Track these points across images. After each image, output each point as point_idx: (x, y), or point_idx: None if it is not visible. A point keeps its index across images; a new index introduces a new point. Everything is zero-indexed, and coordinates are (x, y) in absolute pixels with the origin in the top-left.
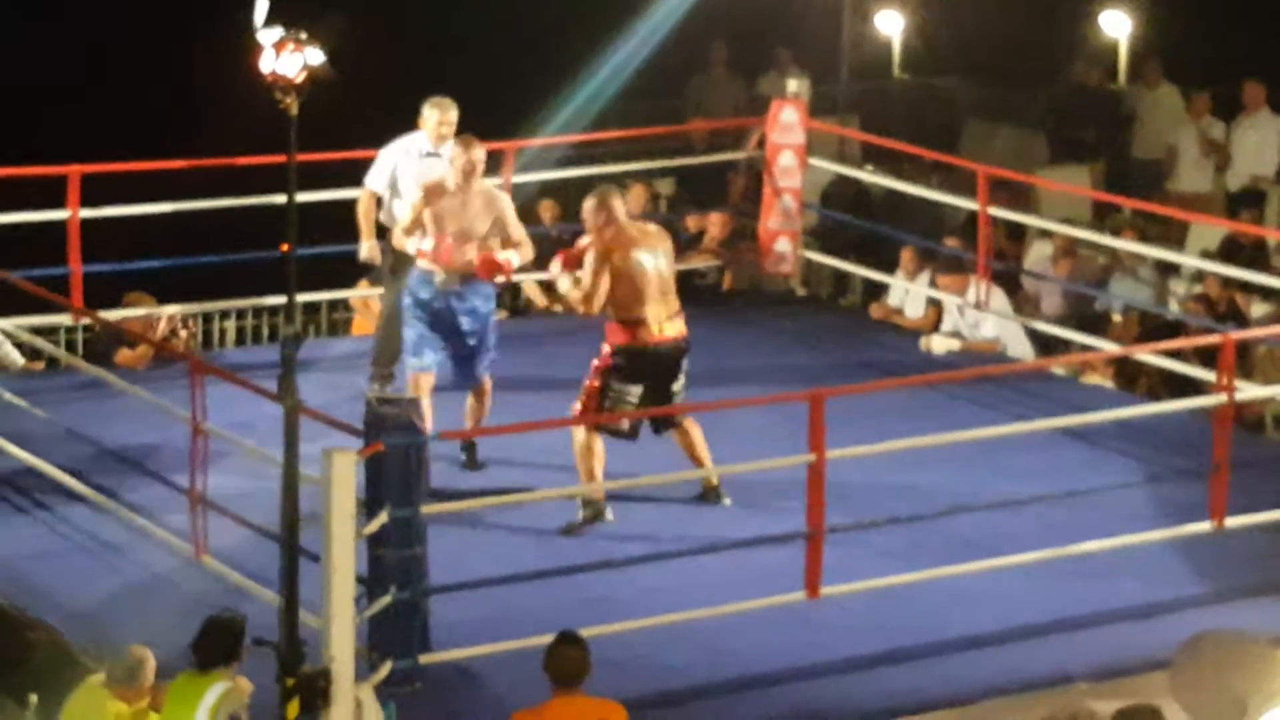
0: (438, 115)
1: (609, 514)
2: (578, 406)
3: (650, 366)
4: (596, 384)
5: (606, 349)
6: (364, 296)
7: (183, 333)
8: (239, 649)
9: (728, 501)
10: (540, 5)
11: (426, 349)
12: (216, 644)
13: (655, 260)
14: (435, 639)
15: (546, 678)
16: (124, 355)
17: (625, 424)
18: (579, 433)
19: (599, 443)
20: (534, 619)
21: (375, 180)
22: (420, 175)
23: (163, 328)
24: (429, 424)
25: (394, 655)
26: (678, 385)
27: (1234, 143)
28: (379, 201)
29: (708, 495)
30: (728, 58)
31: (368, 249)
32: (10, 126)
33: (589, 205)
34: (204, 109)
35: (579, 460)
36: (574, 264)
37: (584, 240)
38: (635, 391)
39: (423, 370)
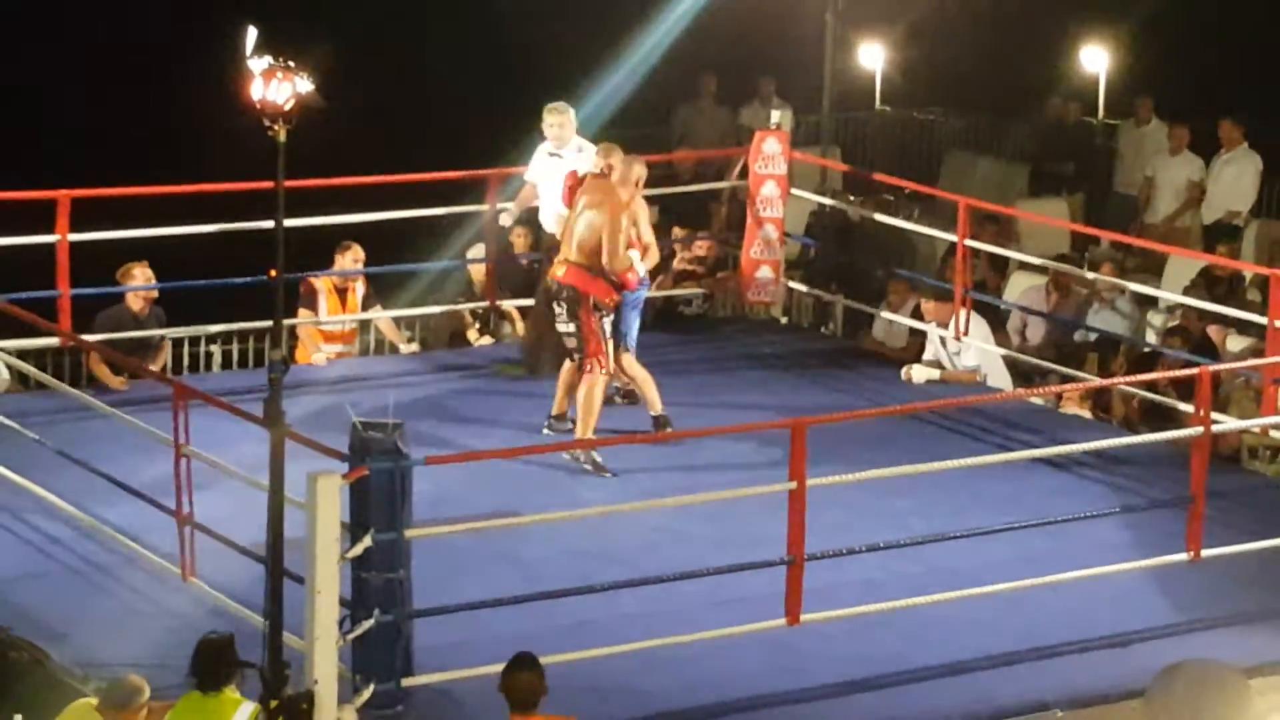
0: (550, 119)
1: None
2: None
3: None
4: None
5: (604, 294)
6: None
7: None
8: (235, 669)
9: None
10: (528, 33)
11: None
12: (219, 663)
13: None
14: (418, 662)
15: (504, 701)
16: (102, 373)
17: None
18: (598, 381)
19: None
20: (515, 643)
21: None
22: (546, 174)
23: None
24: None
25: (377, 678)
26: None
27: (1211, 178)
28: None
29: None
30: (715, 89)
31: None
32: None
33: (625, 157)
34: (193, 135)
35: (592, 409)
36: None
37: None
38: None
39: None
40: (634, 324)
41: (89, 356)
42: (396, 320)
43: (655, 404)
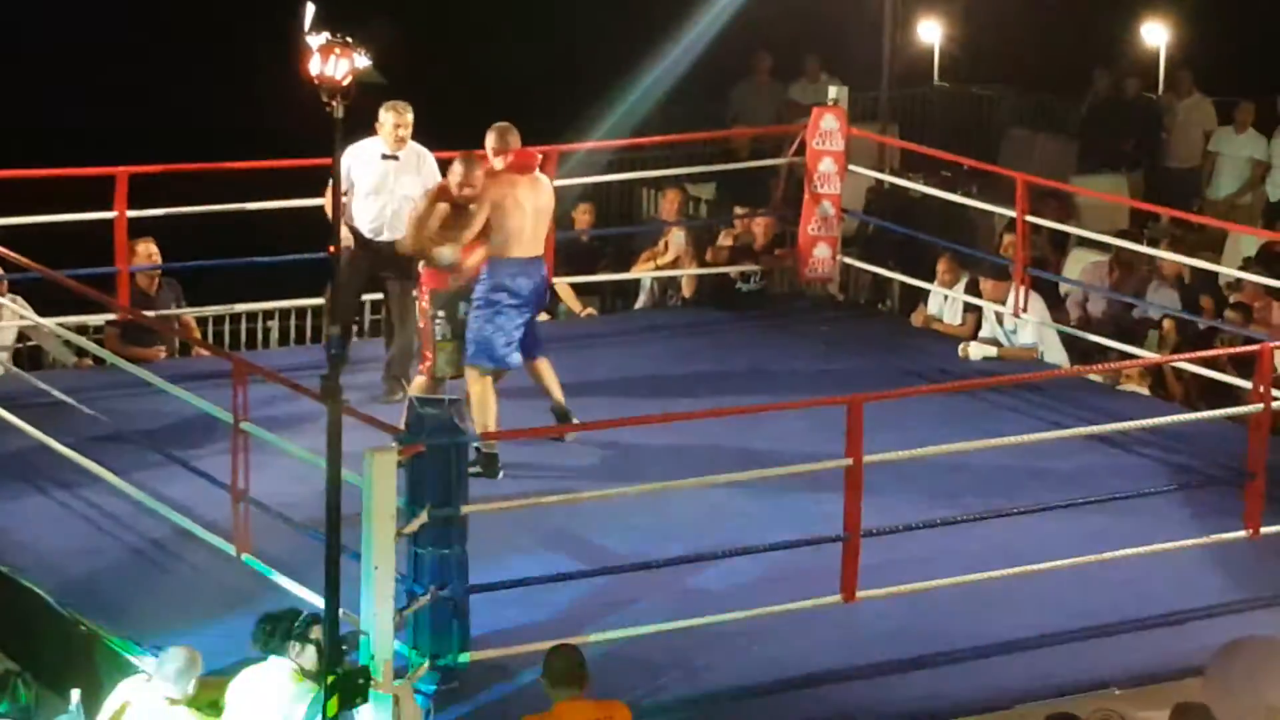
0: (394, 118)
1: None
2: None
3: None
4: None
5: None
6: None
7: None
8: (300, 642)
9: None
10: (585, 11)
11: None
12: (275, 633)
13: None
14: (474, 638)
15: (545, 684)
16: (138, 350)
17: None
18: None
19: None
20: (571, 619)
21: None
22: (378, 178)
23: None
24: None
25: (433, 654)
26: None
27: (1274, 154)
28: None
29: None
30: (771, 66)
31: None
32: (59, 126)
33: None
34: (253, 111)
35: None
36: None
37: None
38: None
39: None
40: (486, 331)
41: (106, 334)
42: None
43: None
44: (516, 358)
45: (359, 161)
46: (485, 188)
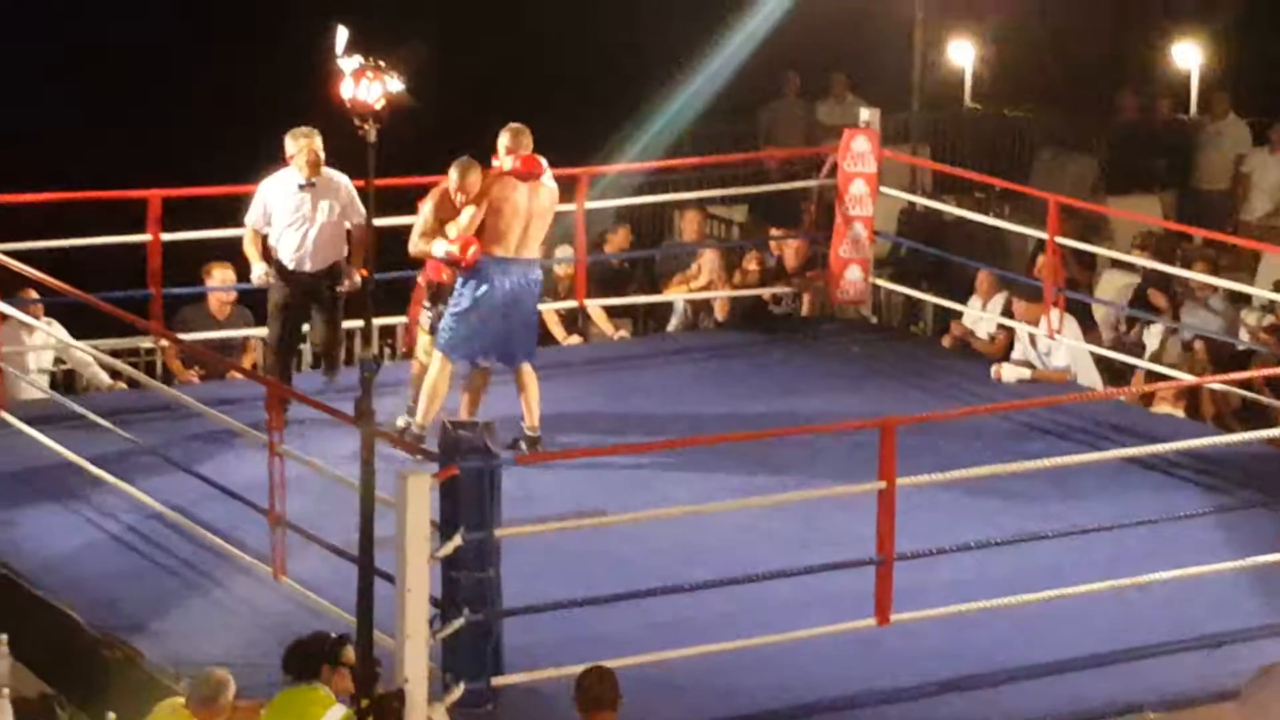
0: (305, 144)
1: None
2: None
3: None
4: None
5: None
6: None
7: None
8: (330, 664)
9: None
10: (614, 32)
11: None
12: (310, 659)
13: None
14: (508, 661)
15: (577, 707)
16: (175, 367)
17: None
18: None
19: None
20: (606, 642)
21: (252, 218)
22: (297, 208)
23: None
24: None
25: (467, 677)
26: None
27: None
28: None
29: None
30: (800, 86)
31: (260, 273)
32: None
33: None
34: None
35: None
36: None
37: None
38: None
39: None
40: (450, 321)
41: (166, 351)
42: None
43: (420, 415)
44: (479, 359)
45: (275, 194)
46: (487, 185)
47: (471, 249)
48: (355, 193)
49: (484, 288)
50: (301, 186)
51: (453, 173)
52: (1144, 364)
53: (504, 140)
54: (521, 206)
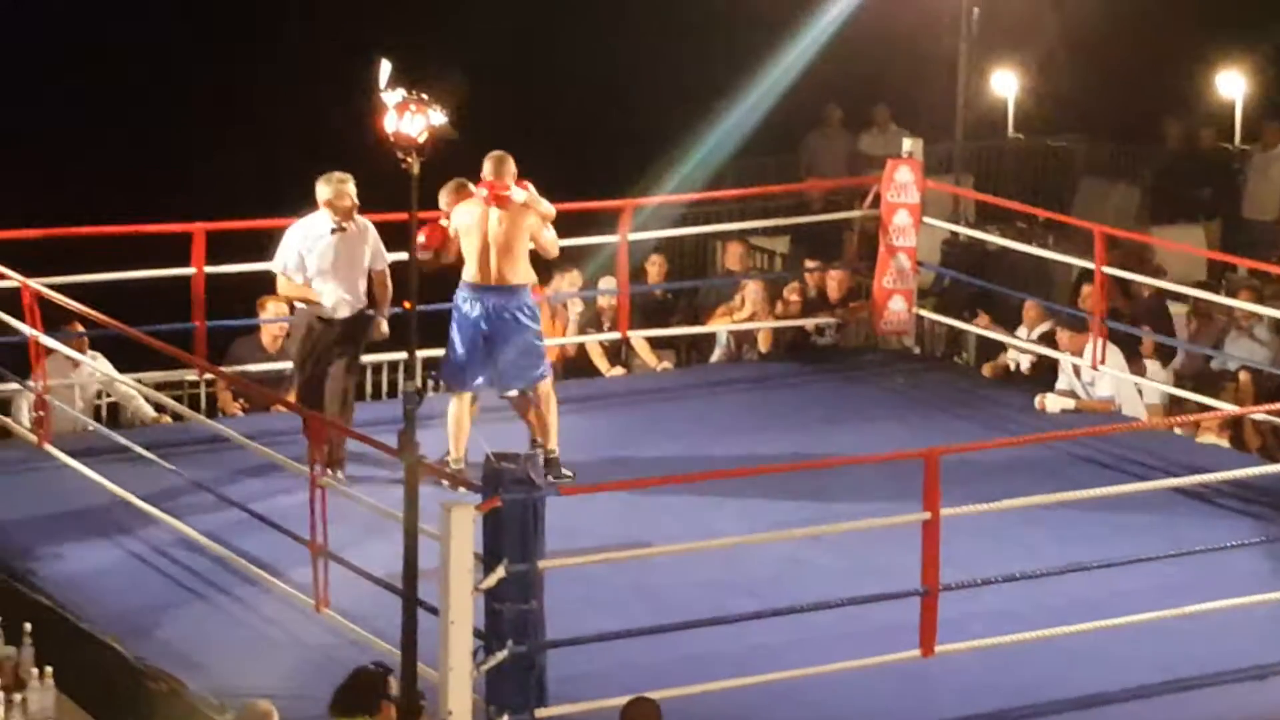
0: (341, 189)
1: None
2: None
3: None
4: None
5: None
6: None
7: None
8: (380, 700)
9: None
10: (657, 66)
11: None
12: (360, 695)
13: None
14: (551, 693)
15: None
16: (223, 399)
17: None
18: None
19: None
20: (649, 673)
21: (287, 263)
22: (332, 253)
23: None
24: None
25: (510, 709)
26: None
27: None
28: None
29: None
30: (842, 117)
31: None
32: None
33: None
34: (325, 167)
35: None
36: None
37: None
38: None
39: None
40: (446, 357)
41: (216, 383)
42: None
43: (452, 451)
44: (464, 383)
45: (309, 240)
46: (452, 212)
47: (424, 237)
48: (378, 237)
49: (456, 315)
50: (333, 231)
51: (440, 196)
52: (1188, 394)
53: (485, 167)
54: (477, 232)
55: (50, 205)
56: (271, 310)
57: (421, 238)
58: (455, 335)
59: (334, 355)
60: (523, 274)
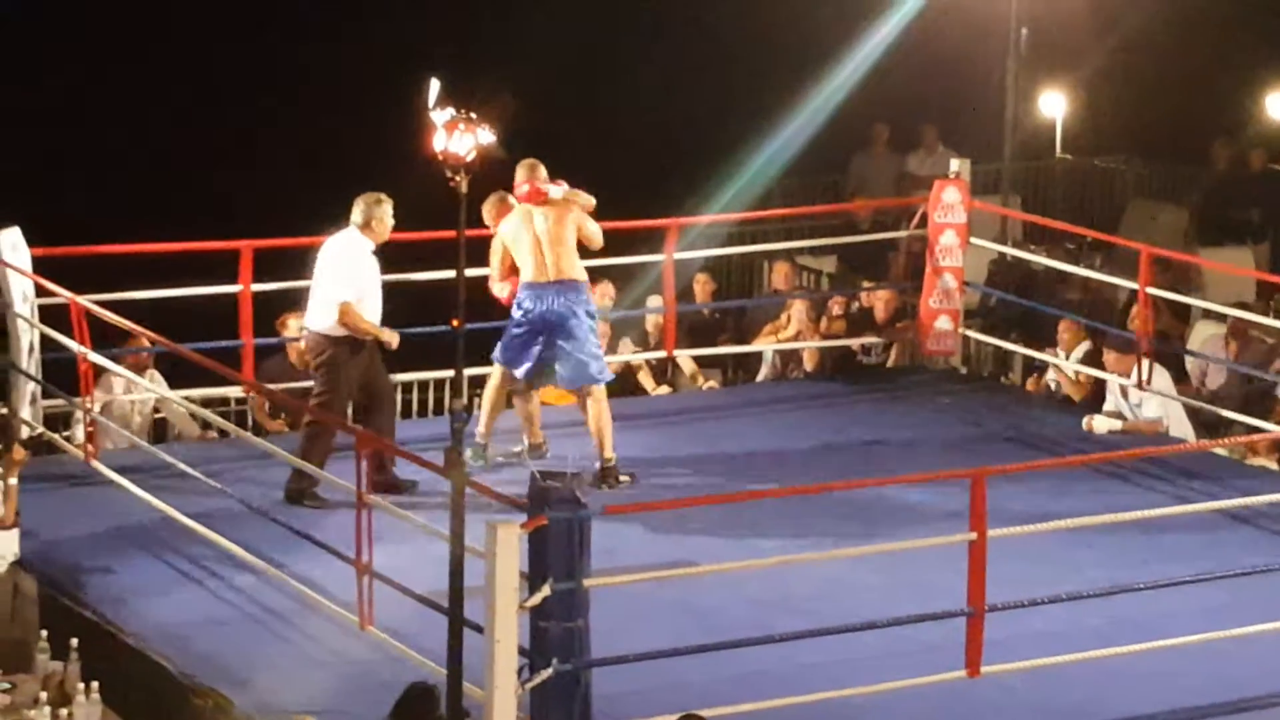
0: (385, 211)
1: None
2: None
3: None
4: None
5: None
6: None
7: None
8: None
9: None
10: (706, 87)
11: None
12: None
13: None
14: (597, 711)
15: None
16: (261, 417)
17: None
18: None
19: None
20: (694, 692)
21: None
22: (376, 274)
23: None
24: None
25: None
26: None
27: None
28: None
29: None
30: (889, 138)
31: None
32: (181, 201)
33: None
34: (374, 186)
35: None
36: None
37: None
38: None
39: None
40: (505, 337)
41: (255, 402)
42: None
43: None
44: (515, 363)
45: (364, 263)
46: (496, 225)
47: (507, 290)
48: None
49: (518, 313)
50: (373, 253)
51: (484, 211)
52: (1237, 415)
53: (518, 175)
54: (526, 234)
55: (91, 224)
56: (293, 327)
57: (505, 293)
58: (514, 326)
59: (376, 375)
60: (579, 269)
